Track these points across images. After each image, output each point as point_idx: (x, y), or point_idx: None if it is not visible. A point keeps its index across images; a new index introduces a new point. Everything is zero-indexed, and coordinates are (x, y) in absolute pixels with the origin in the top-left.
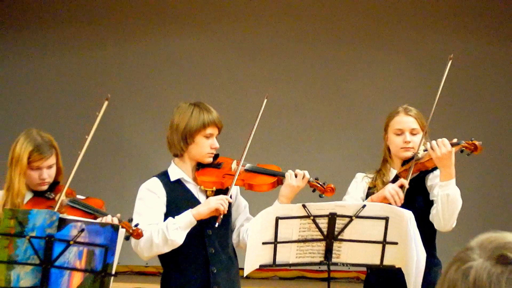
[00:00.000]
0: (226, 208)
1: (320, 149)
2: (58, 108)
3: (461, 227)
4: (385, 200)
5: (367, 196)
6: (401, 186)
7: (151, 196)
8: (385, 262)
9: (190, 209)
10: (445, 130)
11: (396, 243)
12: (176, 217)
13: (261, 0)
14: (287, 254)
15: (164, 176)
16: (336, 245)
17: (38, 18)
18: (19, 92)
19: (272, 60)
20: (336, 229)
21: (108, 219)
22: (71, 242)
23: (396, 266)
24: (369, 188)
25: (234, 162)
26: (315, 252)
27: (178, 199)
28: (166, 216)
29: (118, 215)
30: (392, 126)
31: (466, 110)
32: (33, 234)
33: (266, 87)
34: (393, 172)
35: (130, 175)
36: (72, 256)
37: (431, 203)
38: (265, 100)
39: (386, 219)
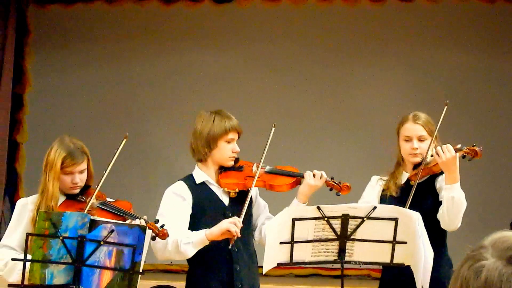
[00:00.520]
0: (238, 231)
1: (331, 152)
2: (91, 117)
3: (472, 226)
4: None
5: (381, 199)
6: None
7: (176, 200)
8: (395, 261)
9: (205, 229)
10: (450, 135)
11: (405, 243)
12: (192, 232)
13: (273, 17)
14: (303, 253)
15: (189, 180)
16: (349, 244)
17: (77, 36)
18: (57, 103)
19: (285, 70)
20: (348, 230)
21: (136, 221)
22: (102, 242)
23: (405, 264)
24: (383, 191)
25: (255, 165)
26: (329, 251)
27: (203, 201)
28: (192, 217)
29: (145, 216)
30: (401, 133)
31: (468, 116)
32: (66, 234)
33: (279, 96)
34: (405, 176)
35: (156, 179)
36: (103, 255)
37: (440, 203)
38: (273, 129)
39: (396, 220)
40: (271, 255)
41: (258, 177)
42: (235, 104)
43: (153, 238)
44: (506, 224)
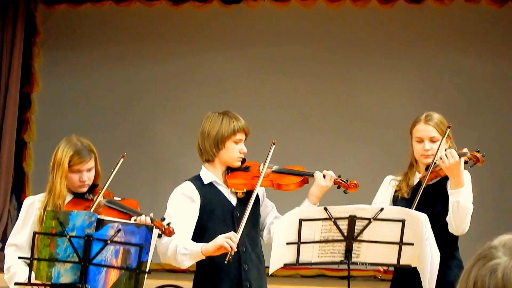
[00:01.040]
0: (234, 245)
1: (341, 152)
2: (98, 117)
3: (484, 228)
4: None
5: (393, 200)
6: None
7: (184, 201)
8: (402, 262)
9: (201, 244)
10: (461, 136)
11: (412, 244)
12: (191, 244)
13: (281, 19)
14: (310, 254)
15: (197, 180)
16: (355, 245)
17: (85, 36)
18: (64, 103)
19: (294, 72)
20: (355, 231)
21: (142, 218)
22: (108, 242)
23: (412, 266)
24: (395, 192)
25: (261, 165)
26: (335, 252)
27: (211, 201)
28: (199, 218)
29: (151, 214)
30: (414, 134)
31: (479, 117)
32: (73, 233)
33: (288, 97)
34: (417, 177)
35: (162, 179)
36: (109, 254)
37: None
38: (273, 147)
39: (403, 221)
40: (278, 256)
41: (265, 177)
42: (242, 106)
43: (159, 236)
44: None
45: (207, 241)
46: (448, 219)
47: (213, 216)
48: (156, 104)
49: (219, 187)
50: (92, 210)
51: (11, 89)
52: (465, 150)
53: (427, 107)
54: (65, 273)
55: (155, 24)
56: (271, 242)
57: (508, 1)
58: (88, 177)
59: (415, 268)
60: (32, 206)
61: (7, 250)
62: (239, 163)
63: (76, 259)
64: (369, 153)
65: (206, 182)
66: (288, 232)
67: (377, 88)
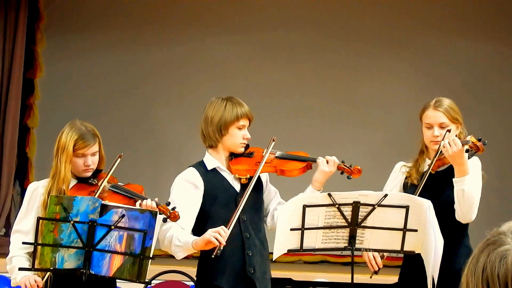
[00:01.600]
0: (222, 240)
1: (346, 139)
2: (101, 102)
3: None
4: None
5: (403, 187)
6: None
7: (188, 187)
8: (405, 248)
9: (193, 238)
10: (467, 124)
11: (415, 230)
12: (186, 235)
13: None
14: (314, 240)
15: (200, 166)
16: (359, 231)
17: (88, 22)
18: (68, 88)
19: (298, 59)
20: (359, 217)
21: (148, 202)
22: (112, 227)
23: (416, 252)
24: (406, 178)
25: (264, 152)
26: (339, 238)
27: (215, 187)
28: (203, 204)
29: (156, 199)
30: (423, 120)
31: (485, 105)
32: (77, 219)
33: (292, 84)
34: (427, 163)
35: (166, 165)
36: (113, 240)
37: None
38: (273, 143)
39: (407, 207)
40: (282, 242)
41: (269, 163)
42: (245, 91)
43: (164, 220)
44: None
45: (210, 227)
46: (455, 207)
47: (216, 202)
48: (158, 90)
49: (223, 173)
50: (97, 195)
51: (14, 74)
52: (468, 137)
53: (430, 94)
54: (69, 258)
55: (158, 10)
56: (274, 228)
57: None
58: (93, 161)
59: (414, 254)
60: (36, 192)
61: (13, 237)
62: (243, 149)
63: (80, 245)
64: (372, 140)
65: (209, 168)
66: (292, 218)
67: (380, 75)
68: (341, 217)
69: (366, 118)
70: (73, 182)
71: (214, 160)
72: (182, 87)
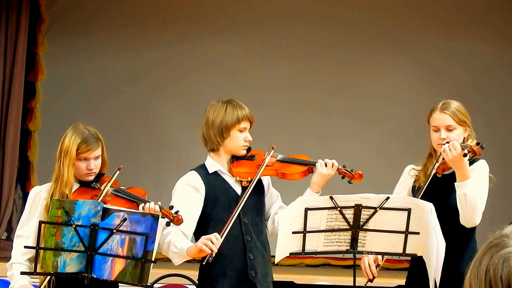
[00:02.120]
0: (213, 247)
1: (348, 142)
2: (103, 105)
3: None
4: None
5: (412, 190)
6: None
7: (189, 191)
8: (407, 251)
9: (188, 245)
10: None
11: (417, 233)
12: (183, 241)
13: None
14: (315, 243)
15: (202, 169)
16: (361, 234)
17: (90, 24)
18: (69, 91)
19: (300, 58)
20: (361, 220)
21: (151, 205)
22: (114, 231)
23: (418, 255)
24: (414, 181)
25: (266, 155)
26: (341, 241)
27: (216, 190)
28: (204, 207)
29: (159, 202)
30: (430, 123)
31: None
32: (79, 223)
33: (290, 81)
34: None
35: (168, 168)
36: (115, 243)
37: None
38: (272, 151)
39: (409, 210)
40: (284, 245)
41: (270, 166)
42: (246, 89)
43: (167, 224)
44: None
45: (212, 230)
46: (459, 211)
47: (217, 205)
48: (160, 92)
49: (224, 176)
50: (100, 199)
51: (15, 77)
52: (469, 142)
53: (434, 90)
54: (71, 262)
55: (159, 8)
56: (275, 232)
57: None
58: (95, 165)
59: (416, 257)
60: (38, 196)
61: (15, 243)
62: (244, 152)
63: (82, 249)
64: (376, 135)
65: (211, 171)
66: (293, 221)
67: (384, 71)
68: (343, 220)
69: (369, 114)
70: (76, 186)
71: (215, 163)
72: (183, 85)
